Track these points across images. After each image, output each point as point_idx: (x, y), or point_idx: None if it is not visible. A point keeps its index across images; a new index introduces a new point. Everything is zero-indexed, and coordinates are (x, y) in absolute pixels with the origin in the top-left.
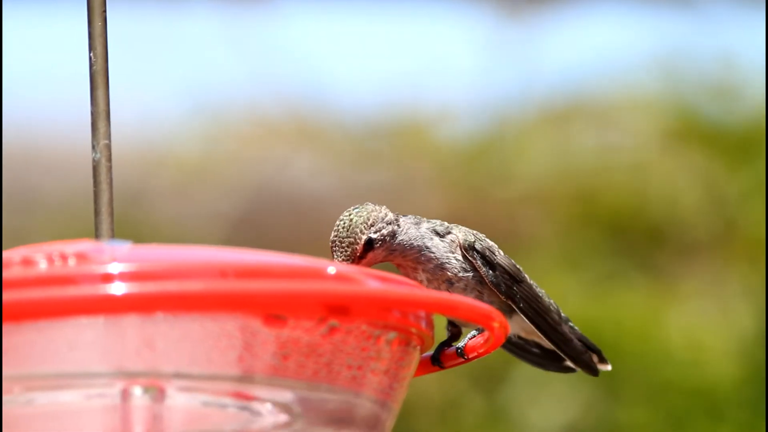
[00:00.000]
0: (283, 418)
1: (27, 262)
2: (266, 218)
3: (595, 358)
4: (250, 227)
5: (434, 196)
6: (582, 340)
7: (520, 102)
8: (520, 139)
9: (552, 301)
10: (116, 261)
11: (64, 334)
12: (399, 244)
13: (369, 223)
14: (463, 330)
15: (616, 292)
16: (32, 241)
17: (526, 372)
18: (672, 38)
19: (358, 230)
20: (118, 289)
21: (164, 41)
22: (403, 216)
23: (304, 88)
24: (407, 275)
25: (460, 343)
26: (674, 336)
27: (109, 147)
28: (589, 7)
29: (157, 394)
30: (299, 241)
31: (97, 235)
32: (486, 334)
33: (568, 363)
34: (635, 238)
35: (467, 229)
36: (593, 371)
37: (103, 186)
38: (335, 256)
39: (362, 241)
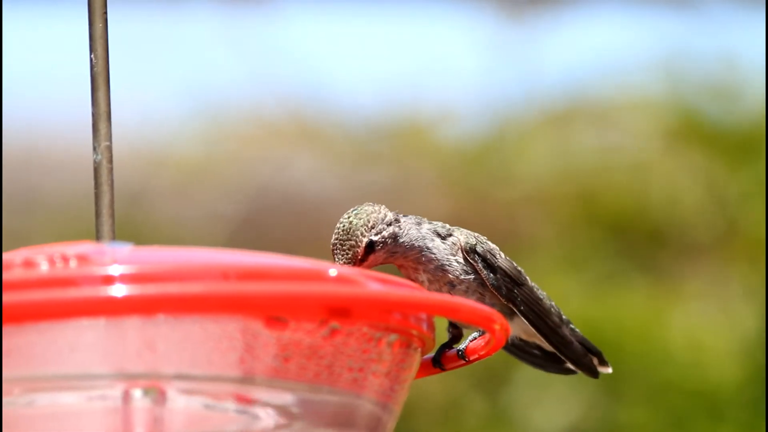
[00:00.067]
0: (283, 420)
1: (28, 263)
2: (267, 219)
3: (595, 361)
4: (250, 228)
5: (435, 197)
6: (583, 342)
7: (521, 103)
8: (521, 140)
9: (553, 303)
10: (117, 263)
11: (65, 336)
12: (400, 245)
13: (369, 225)
14: (464, 332)
15: (617, 293)
16: (33, 242)
17: (527, 373)
18: (673, 39)
19: (358, 233)
20: (119, 291)
21: (164, 42)
22: (404, 216)
23: (305, 89)
24: (408, 276)
25: (461, 345)
26: (675, 336)
27: (110, 148)
28: (590, 8)
29: (158, 396)
30: (300, 241)
31: (98, 237)
32: (487, 336)
33: (569, 365)
34: (636, 238)
35: (469, 231)
36: (594, 374)
37: (104, 188)
38: (336, 260)
39: (363, 244)
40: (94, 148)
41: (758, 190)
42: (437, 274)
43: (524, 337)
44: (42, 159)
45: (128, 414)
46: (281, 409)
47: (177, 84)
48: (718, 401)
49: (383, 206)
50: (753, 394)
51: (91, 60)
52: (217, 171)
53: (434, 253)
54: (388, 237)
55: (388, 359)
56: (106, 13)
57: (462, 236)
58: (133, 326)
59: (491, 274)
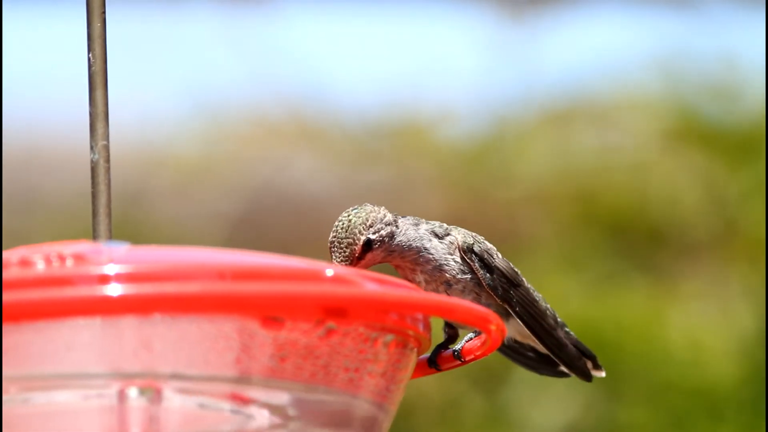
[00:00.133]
0: (279, 420)
1: (24, 262)
2: (266, 218)
3: (589, 364)
4: (250, 227)
5: (434, 197)
6: (577, 345)
7: (521, 102)
8: (520, 140)
9: (548, 305)
10: (113, 262)
11: (61, 335)
12: (397, 245)
13: (368, 224)
14: (460, 332)
15: (617, 293)
16: (32, 241)
17: (526, 373)
18: (672, 39)
19: (356, 231)
20: (114, 290)
21: (164, 42)
22: (402, 217)
23: (305, 89)
24: (405, 276)
25: (457, 346)
26: (674, 336)
27: (107, 148)
28: (589, 8)
29: (154, 395)
30: (299, 241)
31: (94, 236)
32: (483, 336)
33: (563, 368)
34: (635, 238)
35: (466, 231)
36: (587, 377)
37: (101, 187)
38: (334, 258)
39: (361, 243)
40: (92, 148)
41: (758, 190)
42: (434, 274)
43: (519, 338)
44: (41, 158)
45: (124, 413)
46: (277, 409)
47: (177, 84)
48: (718, 401)
49: (383, 207)
50: (752, 393)
51: (89, 59)
52: (217, 171)
53: (432, 254)
54: (386, 236)
55: (384, 359)
56: (104, 12)
57: (460, 235)
58: (129, 326)
59: (488, 274)
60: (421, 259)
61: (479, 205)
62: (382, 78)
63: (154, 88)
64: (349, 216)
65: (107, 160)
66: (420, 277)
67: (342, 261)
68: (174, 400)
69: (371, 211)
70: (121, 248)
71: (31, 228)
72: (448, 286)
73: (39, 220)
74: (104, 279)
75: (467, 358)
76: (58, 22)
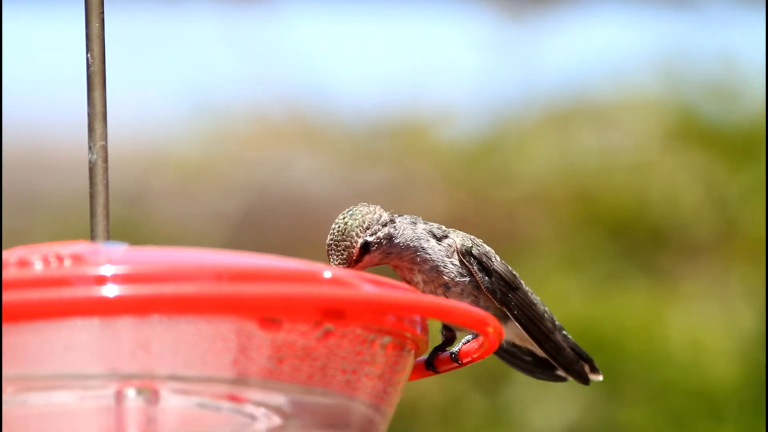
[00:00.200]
0: (277, 421)
1: (22, 263)
2: (267, 219)
3: (586, 368)
4: (250, 228)
5: (435, 197)
6: (575, 348)
7: (522, 103)
8: (521, 140)
9: (547, 308)
10: (111, 263)
11: (59, 336)
12: (395, 245)
13: (365, 226)
14: (458, 335)
15: (617, 293)
16: (32, 241)
17: None
18: (672, 39)
19: (353, 234)
20: (112, 291)
21: (164, 41)
22: (399, 216)
23: (305, 89)
24: (404, 277)
25: (455, 348)
26: (675, 336)
27: (105, 148)
28: (590, 8)
29: (151, 396)
30: (300, 241)
31: (92, 237)
32: (480, 339)
33: (560, 371)
34: (636, 238)
35: (465, 234)
36: (584, 380)
37: (99, 187)
38: (331, 260)
39: (358, 245)
40: (90, 148)
41: (758, 190)
42: (432, 275)
43: (517, 341)
44: (41, 158)
45: (121, 414)
46: (274, 410)
47: (177, 84)
48: (718, 401)
49: (378, 206)
50: (753, 393)
51: (87, 59)
52: (217, 171)
53: (429, 254)
54: (383, 238)
55: (382, 361)
56: (102, 12)
57: (458, 238)
58: (127, 326)
59: (486, 277)
60: (419, 259)
61: (480, 205)
62: (383, 78)
63: (154, 88)
64: (345, 219)
65: (105, 161)
66: (418, 278)
67: (340, 264)
68: (171, 400)
69: (367, 213)
70: (119, 249)
71: (30, 228)
72: (446, 288)
73: (39, 220)
74: (102, 280)
75: (464, 361)
76: (56, 22)
